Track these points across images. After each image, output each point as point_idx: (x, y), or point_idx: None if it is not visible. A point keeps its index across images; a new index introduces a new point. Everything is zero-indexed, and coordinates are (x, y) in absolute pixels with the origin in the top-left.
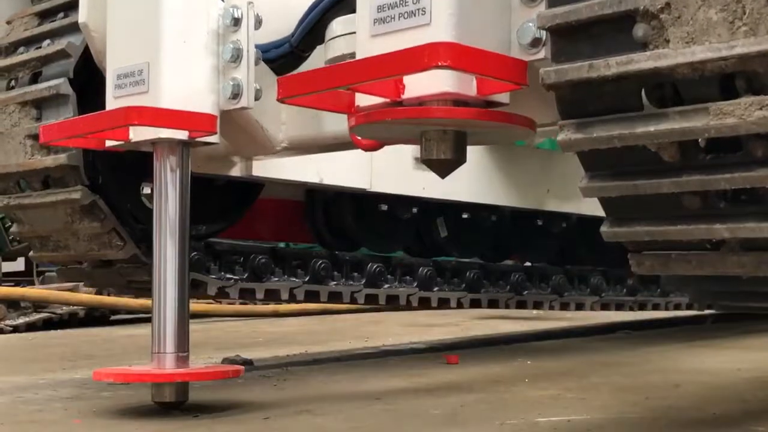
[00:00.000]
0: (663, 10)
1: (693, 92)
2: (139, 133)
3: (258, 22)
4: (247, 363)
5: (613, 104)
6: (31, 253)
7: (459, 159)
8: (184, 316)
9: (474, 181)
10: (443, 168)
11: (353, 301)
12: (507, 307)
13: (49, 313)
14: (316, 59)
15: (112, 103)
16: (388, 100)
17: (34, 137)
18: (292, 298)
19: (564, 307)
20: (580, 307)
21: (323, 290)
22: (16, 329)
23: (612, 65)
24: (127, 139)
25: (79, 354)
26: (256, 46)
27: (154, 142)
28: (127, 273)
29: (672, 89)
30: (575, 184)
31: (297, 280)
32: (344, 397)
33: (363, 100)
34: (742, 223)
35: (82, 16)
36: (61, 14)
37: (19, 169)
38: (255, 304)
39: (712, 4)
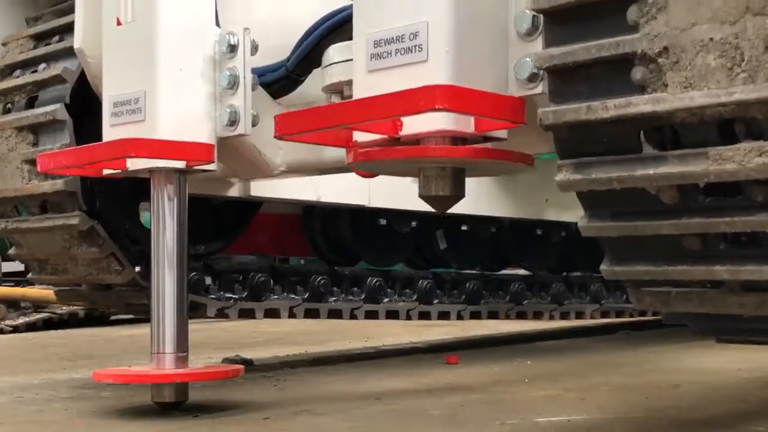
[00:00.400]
0: (661, 54)
1: (692, 136)
2: (136, 163)
3: (254, 48)
4: (247, 363)
5: (611, 146)
6: (29, 275)
7: (458, 195)
8: (183, 316)
9: (473, 193)
10: (442, 204)
11: (353, 317)
12: (507, 317)
13: (49, 313)
14: (314, 75)
15: (108, 131)
16: (386, 136)
17: (31, 162)
18: (292, 317)
19: (564, 316)
20: (580, 315)
21: (323, 308)
22: (16, 329)
23: (610, 108)
24: (124, 168)
25: (79, 354)
26: (253, 70)
27: (151, 170)
28: (126, 296)
29: (671, 132)
30: (573, 193)
31: (297, 297)
32: (344, 397)
33: (361, 135)
34: (743, 266)
35: (78, 41)
36: (57, 37)
37: (16, 193)
38: None
39: (711, 49)
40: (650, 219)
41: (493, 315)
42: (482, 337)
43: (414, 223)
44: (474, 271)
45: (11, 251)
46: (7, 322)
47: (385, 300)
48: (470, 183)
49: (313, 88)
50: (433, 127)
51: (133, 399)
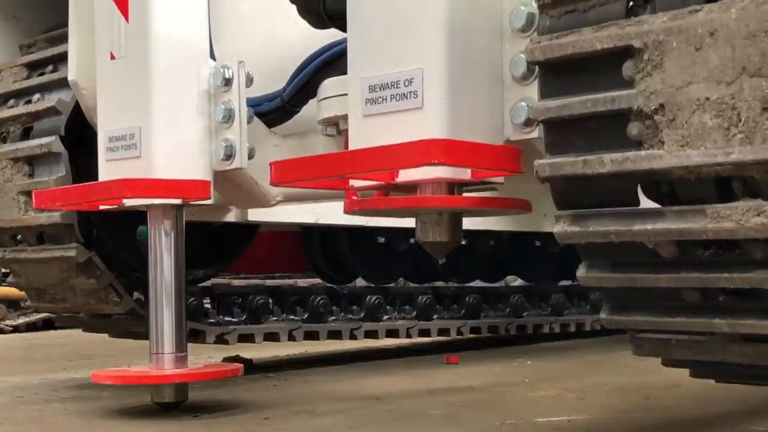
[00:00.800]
0: (657, 111)
1: (690, 192)
2: (132, 199)
3: (249, 81)
4: (247, 363)
5: (609, 198)
6: (28, 302)
7: (455, 240)
8: (182, 315)
9: None
10: (440, 249)
11: (353, 338)
12: (507, 332)
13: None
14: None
15: (104, 166)
16: (382, 182)
17: (27, 194)
18: (292, 340)
19: (564, 328)
20: (580, 326)
21: (322, 330)
22: (16, 329)
23: (607, 163)
24: (120, 204)
25: (79, 354)
26: (249, 100)
27: (148, 206)
28: (125, 324)
29: (668, 186)
30: None
31: (296, 318)
32: (344, 397)
33: (357, 181)
34: (742, 320)
35: (72, 73)
36: (50, 67)
37: (13, 224)
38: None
39: (707, 109)
40: (649, 271)
41: (493, 330)
42: (482, 337)
43: (412, 240)
44: (473, 285)
45: (9, 279)
46: (7, 322)
47: (385, 317)
48: None
49: (308, 114)
50: (430, 175)
51: (132, 399)
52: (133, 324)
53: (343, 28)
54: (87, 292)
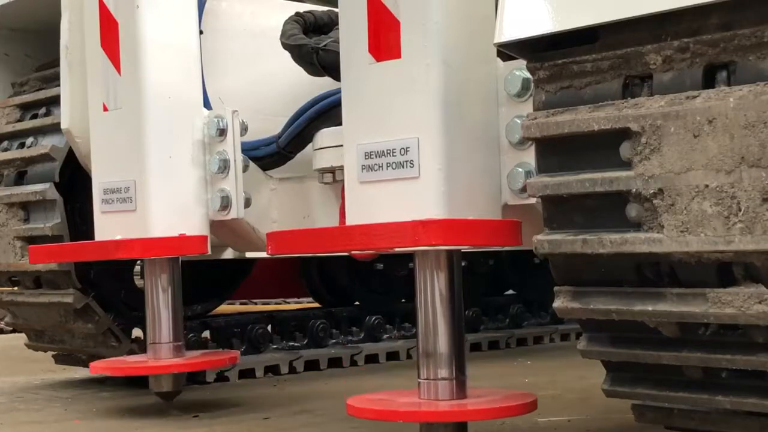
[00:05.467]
0: (656, 195)
1: (690, 275)
2: (128, 253)
3: (243, 129)
4: None
5: (609, 276)
6: (26, 342)
7: None
8: (178, 306)
9: None
10: None
11: (353, 364)
12: (508, 346)
13: None
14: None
15: (99, 218)
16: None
17: (23, 239)
18: (293, 371)
19: (564, 338)
20: (580, 336)
21: (322, 358)
22: (16, 329)
23: (606, 244)
24: (116, 258)
25: None
26: (244, 145)
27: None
28: None
29: (668, 266)
30: None
31: (296, 343)
32: (344, 397)
33: None
34: (745, 398)
35: (65, 122)
36: (43, 110)
37: (9, 269)
38: (255, 304)
39: (707, 196)
40: (650, 348)
41: (493, 345)
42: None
43: (411, 265)
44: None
45: (7, 319)
46: (7, 320)
47: (385, 336)
48: None
49: (303, 157)
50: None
51: (132, 399)
52: None
53: (337, 78)
54: (85, 335)
